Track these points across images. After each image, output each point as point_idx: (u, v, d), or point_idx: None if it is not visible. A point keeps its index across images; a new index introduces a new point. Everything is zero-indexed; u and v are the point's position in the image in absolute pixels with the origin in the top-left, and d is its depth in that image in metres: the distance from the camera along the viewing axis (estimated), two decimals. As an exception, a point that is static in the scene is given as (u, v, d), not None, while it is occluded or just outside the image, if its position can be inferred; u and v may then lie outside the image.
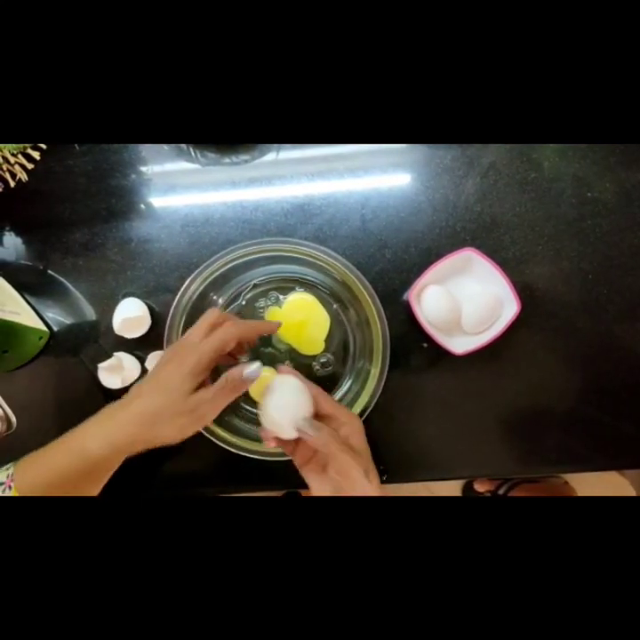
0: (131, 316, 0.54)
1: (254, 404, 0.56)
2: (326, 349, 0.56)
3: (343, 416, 0.45)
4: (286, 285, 0.56)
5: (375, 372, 0.52)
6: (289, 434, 0.42)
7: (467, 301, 0.54)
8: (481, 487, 1.13)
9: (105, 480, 0.46)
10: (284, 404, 0.43)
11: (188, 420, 0.41)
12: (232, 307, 0.56)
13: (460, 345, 0.53)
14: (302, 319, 0.55)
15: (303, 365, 0.56)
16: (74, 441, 0.42)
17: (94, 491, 0.46)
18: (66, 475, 0.42)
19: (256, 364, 0.42)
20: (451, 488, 1.17)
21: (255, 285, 0.56)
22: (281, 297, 0.56)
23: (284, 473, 0.55)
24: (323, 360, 0.56)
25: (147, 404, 0.41)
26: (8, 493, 0.40)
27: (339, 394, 0.56)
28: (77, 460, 0.41)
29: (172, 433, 0.41)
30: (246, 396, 0.56)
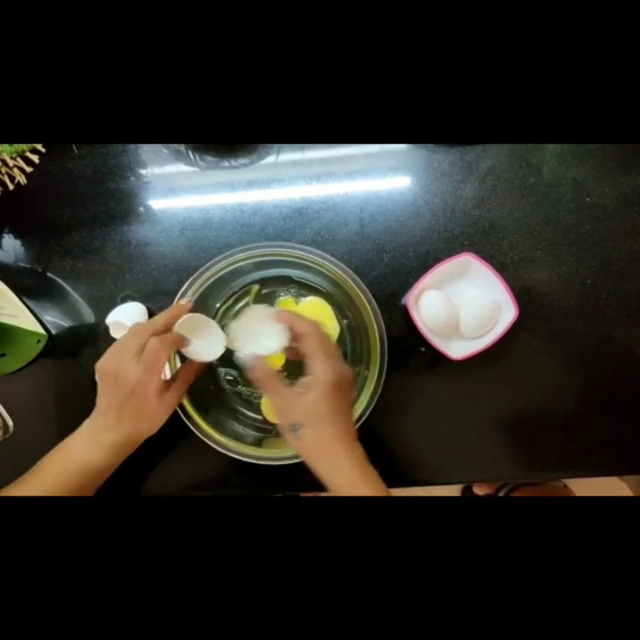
0: (122, 321, 0.53)
1: (251, 407, 0.57)
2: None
3: (299, 329, 0.44)
4: (284, 288, 0.57)
5: (373, 376, 0.52)
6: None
7: (465, 306, 0.54)
8: (480, 490, 1.12)
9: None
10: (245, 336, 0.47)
11: (164, 415, 0.47)
12: (238, 307, 0.57)
13: (457, 350, 0.53)
14: None
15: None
16: (69, 462, 0.45)
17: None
18: (67, 492, 0.44)
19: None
20: (450, 491, 1.17)
21: (251, 287, 0.56)
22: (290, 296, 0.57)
23: (282, 476, 0.55)
24: None
25: (133, 428, 0.45)
26: None
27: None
28: (78, 477, 0.44)
29: (159, 418, 0.47)
30: (244, 400, 0.57)
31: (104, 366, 0.44)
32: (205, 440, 0.51)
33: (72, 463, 0.44)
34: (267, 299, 0.57)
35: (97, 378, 0.45)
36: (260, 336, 0.46)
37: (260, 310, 0.47)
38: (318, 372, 0.42)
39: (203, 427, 0.51)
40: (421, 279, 0.53)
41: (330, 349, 0.43)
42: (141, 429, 0.46)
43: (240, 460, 0.51)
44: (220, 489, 0.56)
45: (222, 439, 0.51)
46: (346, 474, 0.42)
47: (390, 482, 0.56)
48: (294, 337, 0.46)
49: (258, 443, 0.54)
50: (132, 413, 0.44)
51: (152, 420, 0.46)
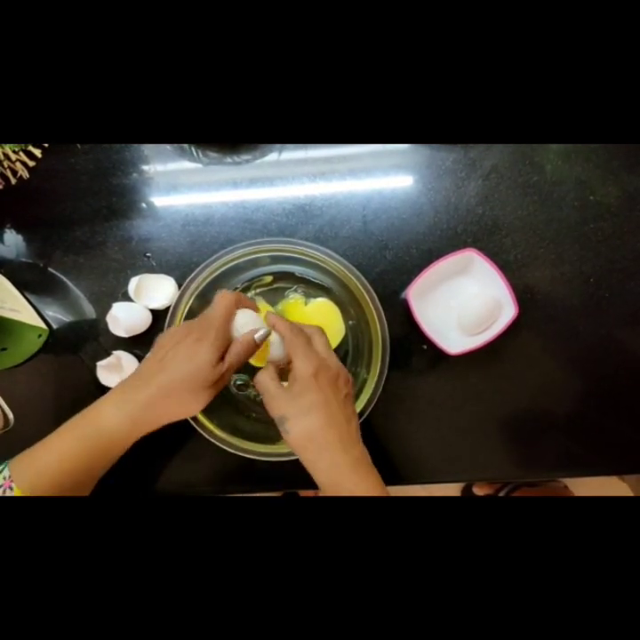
0: (122, 318, 0.53)
1: (253, 404, 0.56)
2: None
3: (279, 331, 0.46)
4: (291, 286, 0.57)
5: (374, 373, 0.52)
6: None
7: (465, 302, 0.54)
8: (480, 491, 1.12)
9: (117, 459, 0.45)
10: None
11: (213, 390, 0.43)
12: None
13: (456, 346, 0.53)
14: (319, 323, 0.55)
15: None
16: (87, 426, 0.42)
17: (104, 470, 0.45)
18: (79, 458, 0.42)
19: (264, 329, 0.46)
20: (450, 491, 1.17)
21: (249, 286, 0.56)
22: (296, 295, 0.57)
23: (282, 474, 0.55)
24: None
25: (174, 377, 0.41)
26: (9, 494, 0.40)
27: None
28: (93, 442, 0.42)
29: (196, 405, 0.43)
30: (252, 400, 0.56)
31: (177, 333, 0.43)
32: (205, 435, 0.51)
33: (88, 426, 0.42)
34: (275, 295, 0.56)
35: (158, 339, 0.44)
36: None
37: (251, 315, 0.47)
38: (296, 368, 0.43)
39: (210, 428, 0.51)
40: (423, 272, 0.53)
41: (306, 346, 0.44)
42: (172, 408, 0.43)
43: (240, 457, 0.51)
44: (220, 486, 0.56)
45: (223, 435, 0.51)
46: (334, 471, 0.41)
47: (390, 481, 0.56)
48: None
49: (272, 440, 0.54)
50: (169, 388, 0.41)
51: (189, 405, 0.44)
